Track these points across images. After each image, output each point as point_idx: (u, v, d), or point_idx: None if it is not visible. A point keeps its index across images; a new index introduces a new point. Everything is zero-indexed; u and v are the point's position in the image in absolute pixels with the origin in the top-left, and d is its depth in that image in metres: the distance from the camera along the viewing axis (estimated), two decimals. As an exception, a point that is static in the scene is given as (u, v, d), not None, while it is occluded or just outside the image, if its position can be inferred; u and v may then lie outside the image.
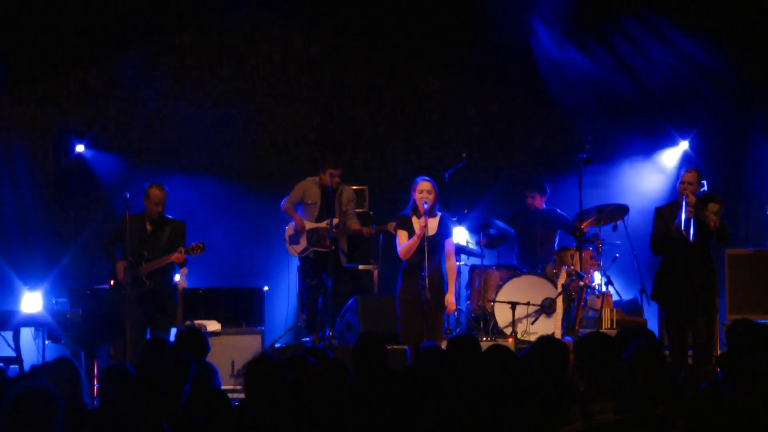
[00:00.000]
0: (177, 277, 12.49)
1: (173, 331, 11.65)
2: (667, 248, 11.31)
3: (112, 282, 12.01)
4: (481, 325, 13.53)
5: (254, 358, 7.09)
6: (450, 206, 13.63)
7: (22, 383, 6.15)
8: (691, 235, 10.87)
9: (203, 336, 8.51)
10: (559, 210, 14.16)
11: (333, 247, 13.03)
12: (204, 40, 15.53)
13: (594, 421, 5.77)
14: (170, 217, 12.19)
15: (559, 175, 14.77)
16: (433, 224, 10.85)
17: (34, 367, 8.14)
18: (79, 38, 14.46)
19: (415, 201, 10.84)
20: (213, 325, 12.86)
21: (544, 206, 14.21)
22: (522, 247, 14.24)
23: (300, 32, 15.74)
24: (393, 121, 15.85)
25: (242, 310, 13.74)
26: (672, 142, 15.12)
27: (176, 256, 11.85)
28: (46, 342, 12.47)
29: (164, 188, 12.03)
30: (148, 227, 12.02)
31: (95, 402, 7.36)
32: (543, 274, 13.51)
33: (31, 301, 12.71)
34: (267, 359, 6.98)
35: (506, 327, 13.18)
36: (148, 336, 11.61)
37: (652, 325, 13.27)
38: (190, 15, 15.19)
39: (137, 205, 12.08)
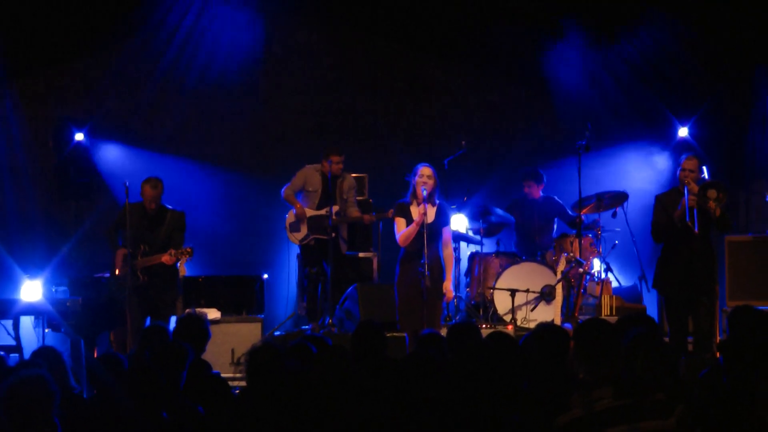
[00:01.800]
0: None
1: (173, 319, 11.67)
2: (668, 236, 11.30)
3: (117, 271, 12.02)
4: (481, 313, 13.55)
5: (257, 346, 7.09)
6: (449, 193, 13.64)
7: (18, 372, 6.16)
8: (696, 227, 10.85)
9: (204, 323, 8.51)
10: (556, 198, 14.16)
11: (333, 235, 13.03)
12: (205, 31, 15.49)
13: (594, 408, 5.77)
14: (170, 207, 12.17)
15: (559, 162, 14.77)
16: (431, 212, 10.85)
17: (21, 363, 8.15)
18: (79, 27, 14.45)
19: (414, 187, 10.84)
20: (213, 313, 12.87)
21: (542, 194, 14.19)
22: (521, 235, 14.23)
23: (300, 21, 15.72)
24: (393, 109, 15.83)
25: (242, 298, 13.76)
26: (672, 129, 15.10)
27: (166, 258, 11.84)
28: (46, 330, 12.49)
29: (158, 184, 11.97)
30: (146, 221, 11.99)
31: (93, 390, 7.35)
32: (543, 261, 13.52)
33: (31, 290, 12.72)
34: (269, 347, 6.98)
35: (506, 314, 13.19)
36: (130, 325, 11.62)
37: (652, 311, 13.28)
38: (190, 5, 15.16)
39: (137, 194, 12.08)
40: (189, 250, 11.94)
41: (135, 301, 11.88)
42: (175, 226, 12.08)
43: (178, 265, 12.30)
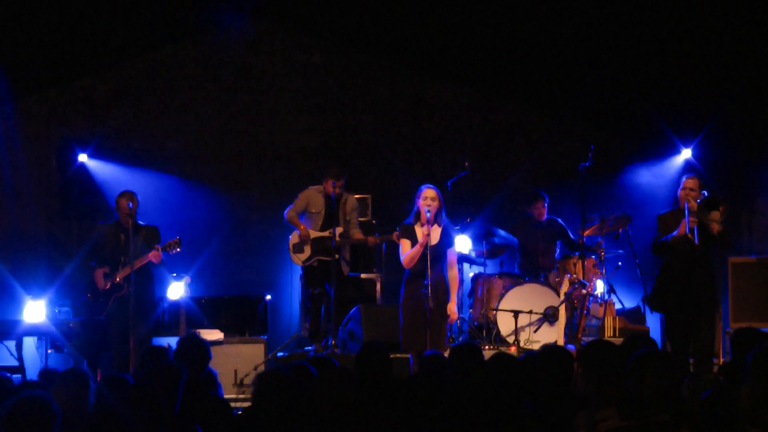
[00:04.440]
0: (173, 290, 12.49)
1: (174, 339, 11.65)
2: (668, 254, 11.29)
3: (101, 289, 11.98)
4: (484, 334, 13.53)
5: (266, 371, 7.09)
6: (453, 215, 13.63)
7: (20, 393, 6.14)
8: (696, 238, 10.86)
9: (204, 344, 8.49)
10: (560, 220, 14.17)
11: (336, 256, 13.01)
12: (207, 51, 15.54)
13: (598, 428, 5.75)
14: (143, 223, 12.16)
15: (562, 183, 14.77)
16: (436, 233, 10.85)
17: (43, 372, 8.15)
18: (82, 48, 14.47)
19: (418, 208, 10.85)
20: (215, 334, 12.85)
21: (546, 215, 14.18)
22: (524, 257, 14.22)
23: (302, 42, 15.75)
24: (396, 129, 15.84)
25: (245, 318, 13.76)
26: (675, 151, 15.10)
27: (153, 254, 11.85)
28: (49, 351, 12.49)
29: (133, 198, 11.96)
30: (122, 237, 11.92)
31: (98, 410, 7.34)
32: (546, 283, 13.50)
33: (34, 311, 12.71)
34: (278, 374, 6.98)
35: (509, 335, 13.16)
36: (132, 344, 11.57)
37: (655, 333, 13.28)
38: (193, 26, 15.20)
39: (140, 214, 12.10)
40: (177, 240, 11.96)
41: (116, 322, 11.86)
42: (150, 239, 12.05)
43: (183, 287, 12.28)
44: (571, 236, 13.90)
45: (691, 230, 10.90)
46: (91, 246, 12.26)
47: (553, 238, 14.14)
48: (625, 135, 15.41)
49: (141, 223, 12.12)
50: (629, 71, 14.37)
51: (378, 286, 14.24)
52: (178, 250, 12.00)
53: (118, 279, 11.85)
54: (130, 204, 11.84)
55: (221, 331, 13.15)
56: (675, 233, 11.13)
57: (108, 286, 11.90)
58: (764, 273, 13.38)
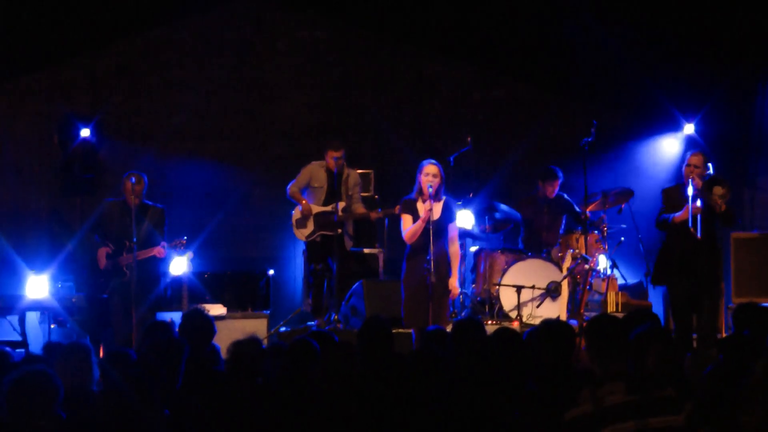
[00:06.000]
0: (175, 265, 12.50)
1: (176, 315, 11.65)
2: (671, 230, 11.26)
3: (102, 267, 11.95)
4: (487, 309, 13.54)
5: (241, 340, 7.13)
6: (455, 190, 13.63)
7: (22, 367, 6.15)
8: (699, 232, 10.82)
9: (209, 319, 8.50)
10: (566, 195, 14.15)
11: (339, 231, 13.02)
12: (209, 27, 15.52)
13: (603, 403, 5.75)
14: (150, 203, 12.11)
15: (565, 159, 14.74)
16: (437, 208, 10.86)
17: (47, 346, 8.16)
18: (85, 24, 14.44)
19: (420, 184, 10.85)
20: (218, 309, 12.87)
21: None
22: (528, 232, 14.21)
23: (305, 18, 15.72)
24: (398, 105, 15.82)
25: (248, 294, 13.78)
26: (677, 126, 15.08)
27: (158, 250, 11.81)
28: (52, 326, 12.51)
29: (140, 180, 11.85)
30: (128, 217, 11.86)
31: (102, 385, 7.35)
32: (548, 258, 13.50)
33: (37, 286, 12.72)
34: (253, 342, 7.02)
35: (511, 310, 13.18)
36: (134, 320, 11.55)
37: (657, 308, 13.27)
38: (196, 2, 15.17)
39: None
40: (182, 241, 11.95)
41: (116, 300, 11.85)
42: (156, 223, 12.02)
43: (185, 263, 12.28)
44: (578, 209, 13.88)
45: (694, 218, 10.86)
46: (95, 220, 12.24)
47: (559, 213, 14.11)
48: (628, 110, 15.36)
49: (148, 203, 12.08)
50: (632, 46, 14.33)
51: (380, 261, 14.24)
52: (183, 248, 12.04)
53: (122, 265, 11.81)
54: (135, 185, 11.76)
55: (224, 306, 13.17)
56: (678, 215, 11.09)
57: (110, 267, 11.87)
58: (766, 248, 13.36)
